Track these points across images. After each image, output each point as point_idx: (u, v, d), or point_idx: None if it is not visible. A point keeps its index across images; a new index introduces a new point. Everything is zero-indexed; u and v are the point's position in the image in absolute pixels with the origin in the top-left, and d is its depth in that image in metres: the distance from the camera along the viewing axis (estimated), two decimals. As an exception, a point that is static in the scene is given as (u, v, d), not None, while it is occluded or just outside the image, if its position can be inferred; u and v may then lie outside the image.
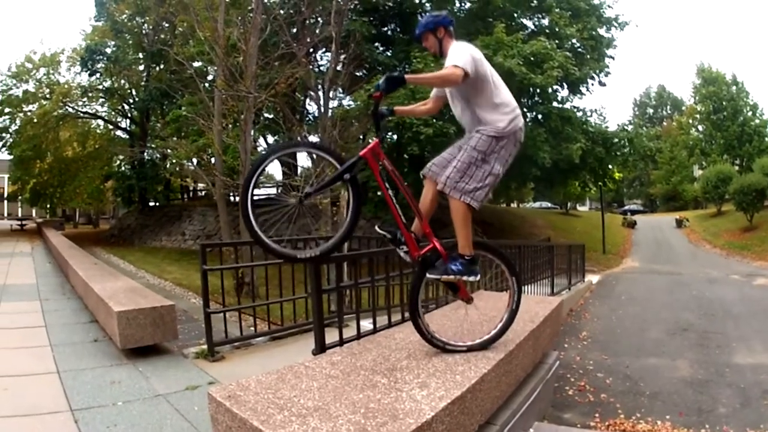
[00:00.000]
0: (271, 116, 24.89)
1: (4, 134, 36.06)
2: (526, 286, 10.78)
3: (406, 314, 5.18)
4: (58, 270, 14.62)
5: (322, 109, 18.27)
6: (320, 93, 19.40)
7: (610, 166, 28.31)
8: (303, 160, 23.64)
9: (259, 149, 27.41)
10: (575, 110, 26.09)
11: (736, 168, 47.12)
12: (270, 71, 18.26)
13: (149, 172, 35.71)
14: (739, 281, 20.07)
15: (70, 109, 35.69)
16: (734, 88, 52.86)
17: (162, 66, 33.82)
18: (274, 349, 6.78)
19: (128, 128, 40.30)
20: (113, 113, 39.52)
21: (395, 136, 22.40)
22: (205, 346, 6.38)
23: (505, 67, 20.20)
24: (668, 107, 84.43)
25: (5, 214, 53.79)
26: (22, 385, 5.09)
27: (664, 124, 77.52)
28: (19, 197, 42.49)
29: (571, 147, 22.59)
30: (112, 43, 35.40)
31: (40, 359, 5.92)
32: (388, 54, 26.93)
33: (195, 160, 22.53)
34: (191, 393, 4.99)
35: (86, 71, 34.96)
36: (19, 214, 47.94)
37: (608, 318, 13.31)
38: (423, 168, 4.08)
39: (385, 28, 28.66)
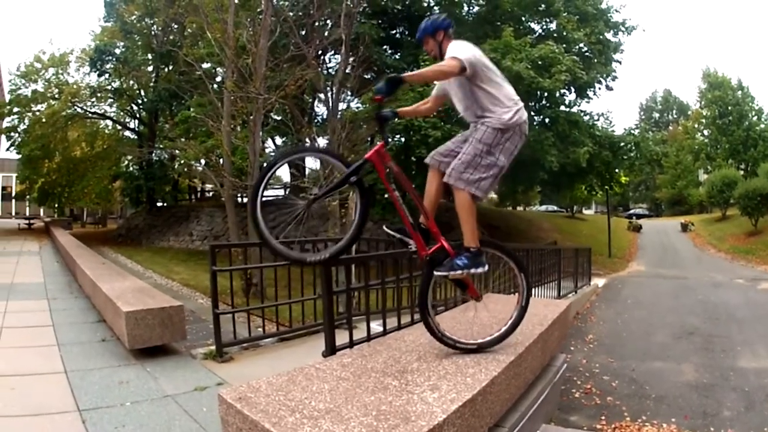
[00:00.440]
0: (279, 118, 24.96)
1: (12, 133, 36.12)
2: (533, 290, 10.89)
3: (416, 316, 5.23)
4: (66, 269, 14.61)
5: (332, 111, 18.36)
6: (330, 95, 19.51)
7: (617, 170, 28.29)
8: (311, 162, 23.73)
9: (267, 151, 27.55)
10: (582, 114, 26.10)
11: (741, 173, 46.95)
12: (279, 73, 18.37)
13: (157, 172, 35.80)
14: (743, 285, 20.04)
15: (79, 109, 35.68)
16: (740, 92, 52.86)
17: (171, 67, 33.80)
18: (283, 351, 6.84)
19: (137, 129, 40.35)
20: (122, 114, 39.54)
21: (403, 139, 22.48)
22: (213, 347, 6.42)
23: (513, 70, 20.26)
24: (674, 112, 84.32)
25: (13, 213, 53.88)
26: (30, 384, 5.10)
27: (670, 128, 77.41)
28: (27, 196, 42.53)
29: (578, 151, 22.60)
30: (121, 43, 35.51)
31: (47, 358, 5.95)
32: (397, 57, 27.03)
33: (203, 161, 22.63)
34: (200, 394, 5.02)
35: (95, 71, 35.07)
36: (27, 213, 47.98)
37: (614, 321, 13.36)
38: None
39: (394, 31, 28.75)
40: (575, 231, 40.04)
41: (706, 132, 57.77)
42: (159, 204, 39.81)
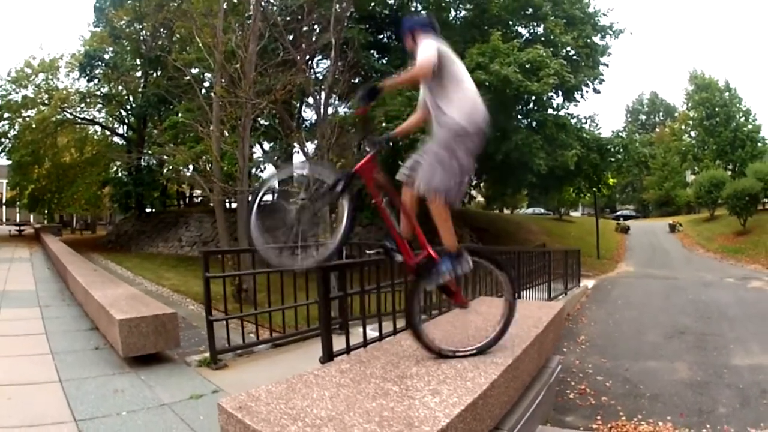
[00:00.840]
0: (267, 123, 24.94)
1: (3, 139, 35.98)
2: (523, 292, 10.95)
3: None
4: (57, 276, 14.51)
5: (321, 116, 18.38)
6: (318, 99, 19.53)
7: (604, 173, 28.43)
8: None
9: (255, 155, 27.53)
10: (570, 117, 26.26)
11: (729, 173, 47.34)
12: (268, 78, 18.36)
13: (146, 178, 35.76)
14: (733, 284, 20.29)
15: (68, 115, 35.68)
16: (727, 94, 53.20)
17: (159, 72, 33.67)
18: (277, 356, 6.82)
19: (125, 134, 40.31)
20: (111, 119, 39.41)
21: (391, 144, 22.52)
22: (207, 354, 6.38)
23: (501, 74, 20.40)
24: (661, 114, 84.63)
25: (3, 220, 53.71)
26: (26, 394, 5.05)
27: (657, 130, 77.75)
28: (18, 203, 42.40)
29: (566, 154, 22.70)
30: (111, 49, 35.47)
31: (42, 367, 5.89)
32: (384, 61, 27.04)
33: (191, 167, 22.60)
34: (196, 402, 4.99)
35: (85, 77, 35.08)
36: (18, 220, 47.94)
37: (605, 322, 13.48)
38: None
39: (381, 36, 28.72)
40: (563, 233, 40.25)
41: (693, 133, 58.11)
42: (148, 210, 39.79)
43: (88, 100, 36.14)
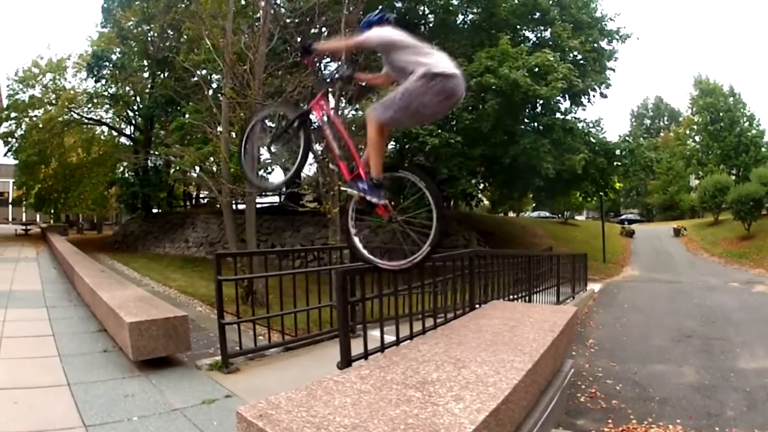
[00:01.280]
0: (274, 125, 24.97)
1: (10, 139, 36.14)
2: (534, 296, 11.06)
3: (428, 324, 5.37)
4: (64, 276, 14.33)
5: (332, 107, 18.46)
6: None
7: (611, 177, 28.49)
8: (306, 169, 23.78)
9: (263, 158, 27.60)
10: (577, 121, 26.37)
11: (733, 178, 47.40)
12: (277, 79, 18.43)
13: (153, 179, 35.87)
14: (738, 289, 20.34)
15: (75, 115, 35.80)
16: (731, 99, 53.11)
17: (167, 73, 33.84)
18: (289, 360, 6.76)
19: (132, 135, 40.42)
20: (118, 120, 39.60)
21: (398, 146, 22.64)
22: (218, 358, 6.31)
23: (510, 78, 20.50)
24: (665, 118, 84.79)
25: (10, 219, 53.73)
26: (33, 398, 4.93)
27: (662, 134, 77.88)
28: (24, 202, 42.57)
29: (573, 158, 22.81)
30: (118, 49, 35.56)
31: (49, 370, 5.78)
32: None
33: (198, 168, 22.63)
34: (208, 407, 4.89)
35: (92, 77, 35.15)
36: (24, 219, 48.25)
37: (613, 326, 13.56)
38: None
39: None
40: (569, 237, 40.25)
41: (697, 138, 58.03)
42: (154, 210, 39.81)
43: (95, 100, 36.26)
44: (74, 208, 42.08)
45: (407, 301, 5.55)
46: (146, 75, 37.04)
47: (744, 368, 9.46)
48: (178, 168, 29.89)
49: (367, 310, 5.28)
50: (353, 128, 18.65)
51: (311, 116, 4.72)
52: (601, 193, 31.58)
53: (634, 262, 32.68)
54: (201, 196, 42.24)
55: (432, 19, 27.90)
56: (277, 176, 4.99)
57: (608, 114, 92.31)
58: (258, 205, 18.69)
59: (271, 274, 7.55)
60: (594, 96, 28.17)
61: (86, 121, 37.26)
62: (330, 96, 19.74)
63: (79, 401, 4.83)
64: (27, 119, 35.63)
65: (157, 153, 33.29)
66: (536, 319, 5.26)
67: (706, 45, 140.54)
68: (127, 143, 40.52)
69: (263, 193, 26.87)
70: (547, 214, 64.26)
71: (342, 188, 4.41)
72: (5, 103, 35.92)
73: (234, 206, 23.50)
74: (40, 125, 34.44)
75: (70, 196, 37.36)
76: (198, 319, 13.00)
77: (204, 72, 23.96)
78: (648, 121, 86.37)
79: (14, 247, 25.07)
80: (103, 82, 35.64)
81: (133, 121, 39.83)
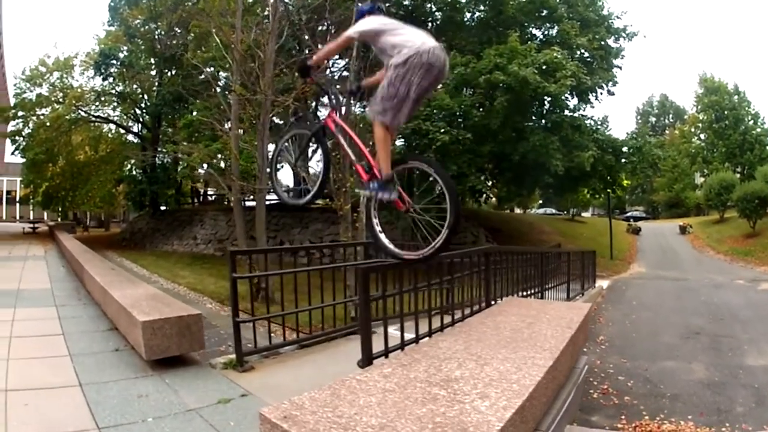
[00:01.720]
0: (282, 122, 25.05)
1: (17, 137, 36.41)
2: (545, 292, 11.17)
3: (446, 320, 5.41)
4: (72, 274, 14.21)
5: (342, 115, 18.51)
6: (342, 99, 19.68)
7: (619, 174, 28.55)
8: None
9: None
10: (585, 119, 26.47)
11: (738, 176, 47.43)
12: (286, 76, 18.48)
13: (161, 176, 36.08)
14: (744, 286, 20.40)
15: (83, 113, 35.92)
16: (736, 97, 53.26)
17: (174, 71, 33.93)
18: (303, 358, 6.67)
19: (140, 132, 40.49)
20: (125, 117, 39.73)
21: (406, 143, 22.68)
22: (232, 356, 6.20)
23: (519, 75, 20.55)
24: (671, 116, 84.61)
25: (18, 217, 53.88)
26: (44, 399, 4.79)
27: (667, 132, 77.78)
28: (32, 200, 42.72)
29: (582, 155, 22.87)
30: (125, 47, 35.66)
31: (60, 370, 5.62)
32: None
33: (207, 165, 22.70)
34: (224, 407, 4.78)
35: (99, 75, 35.37)
36: (31, 217, 48.32)
37: (622, 323, 13.60)
38: None
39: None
40: (576, 233, 40.20)
41: (702, 136, 58.21)
42: (162, 208, 39.88)
43: (102, 98, 36.42)
44: (82, 206, 42.21)
45: (425, 297, 5.41)
46: (153, 73, 37.11)
47: (752, 365, 9.52)
48: (186, 165, 29.98)
49: (382, 307, 5.24)
50: (362, 126, 18.88)
51: (325, 129, 4.94)
52: (609, 190, 31.68)
53: (640, 259, 32.73)
54: (209, 193, 42.29)
55: (439, 17, 27.93)
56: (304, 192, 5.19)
57: (614, 111, 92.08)
58: (266, 202, 18.71)
59: (286, 271, 7.41)
60: (601, 93, 28.23)
61: (94, 119, 37.38)
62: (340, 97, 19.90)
63: (92, 402, 4.74)
64: (34, 118, 35.82)
65: (165, 150, 33.40)
66: (553, 316, 5.31)
67: (712, 43, 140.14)
68: (135, 141, 40.52)
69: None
70: (554, 210, 64.43)
71: (356, 190, 4.56)
72: (12, 101, 36.11)
73: (243, 203, 23.65)
74: (48, 124, 34.62)
75: (78, 194, 37.46)
76: (209, 317, 12.85)
77: (211, 69, 24.04)
78: (653, 119, 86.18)
79: (22, 246, 25.01)
80: (111, 80, 35.83)
81: (141, 119, 39.94)
